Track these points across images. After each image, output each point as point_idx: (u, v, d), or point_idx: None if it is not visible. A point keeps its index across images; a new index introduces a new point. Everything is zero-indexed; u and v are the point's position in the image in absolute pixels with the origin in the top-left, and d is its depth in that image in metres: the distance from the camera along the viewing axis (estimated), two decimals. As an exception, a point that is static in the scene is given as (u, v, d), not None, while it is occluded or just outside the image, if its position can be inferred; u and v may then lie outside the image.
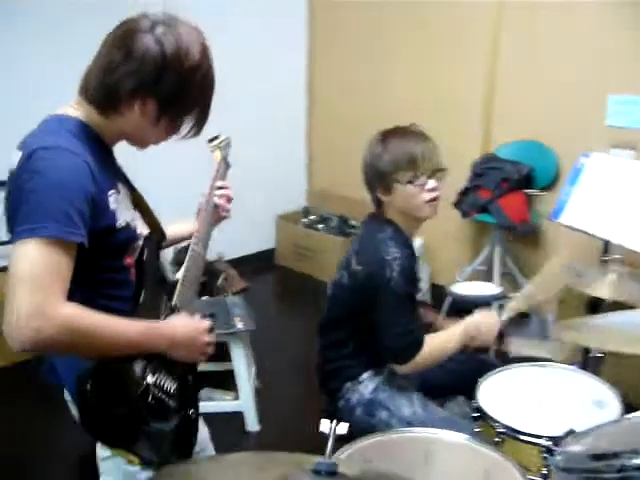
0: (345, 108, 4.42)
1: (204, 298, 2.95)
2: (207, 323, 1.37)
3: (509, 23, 3.40)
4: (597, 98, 3.10)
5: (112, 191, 1.25)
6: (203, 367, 2.89)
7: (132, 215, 1.34)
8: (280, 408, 2.81)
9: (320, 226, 4.46)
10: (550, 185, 3.30)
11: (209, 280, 3.30)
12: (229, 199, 1.58)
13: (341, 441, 1.69)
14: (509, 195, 3.16)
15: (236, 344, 2.58)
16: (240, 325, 2.57)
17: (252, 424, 2.67)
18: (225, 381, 2.79)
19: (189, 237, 1.52)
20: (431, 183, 1.75)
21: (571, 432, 1.39)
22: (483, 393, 1.74)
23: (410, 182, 1.72)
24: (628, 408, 1.60)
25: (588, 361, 2.15)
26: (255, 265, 4.51)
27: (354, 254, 1.82)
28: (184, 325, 1.31)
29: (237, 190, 4.46)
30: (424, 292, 3.93)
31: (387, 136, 1.76)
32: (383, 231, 1.77)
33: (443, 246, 3.94)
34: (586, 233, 2.41)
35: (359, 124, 4.29)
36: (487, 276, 3.48)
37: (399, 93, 4.00)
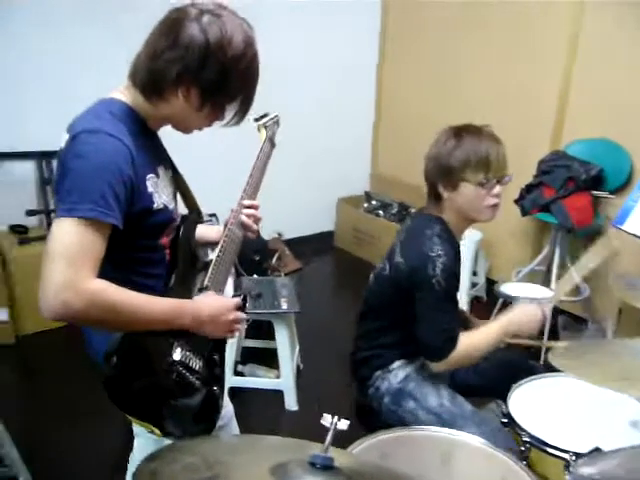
0: (414, 96, 4.37)
1: (254, 277, 3.01)
2: (234, 301, 1.40)
3: (588, 22, 3.24)
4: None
5: (151, 175, 1.29)
6: (250, 343, 3.03)
7: (171, 198, 1.39)
8: (320, 390, 2.85)
9: (381, 212, 4.44)
10: (621, 188, 3.14)
11: (262, 258, 3.36)
12: (256, 219, 1.55)
13: (368, 428, 1.73)
14: (574, 196, 3.03)
15: (280, 324, 2.63)
16: (285, 306, 2.62)
17: (291, 403, 2.73)
18: (270, 359, 2.86)
19: (214, 243, 1.52)
20: (498, 188, 1.72)
21: (596, 450, 1.35)
22: (515, 399, 1.71)
23: (481, 184, 1.70)
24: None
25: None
26: (314, 246, 4.56)
27: (399, 246, 1.81)
28: (210, 303, 1.35)
29: (302, 171, 4.58)
30: (479, 287, 3.86)
31: (461, 132, 1.72)
32: (431, 228, 1.75)
33: (503, 242, 3.85)
34: (649, 243, 2.30)
35: (427, 113, 4.26)
36: (545, 276, 3.37)
37: (470, 86, 3.92)
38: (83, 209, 1.13)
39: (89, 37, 3.29)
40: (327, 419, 0.98)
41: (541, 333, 1.92)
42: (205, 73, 1.22)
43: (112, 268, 1.23)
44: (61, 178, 1.17)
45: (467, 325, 1.91)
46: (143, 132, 1.30)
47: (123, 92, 1.30)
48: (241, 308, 1.43)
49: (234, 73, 1.25)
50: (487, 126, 1.76)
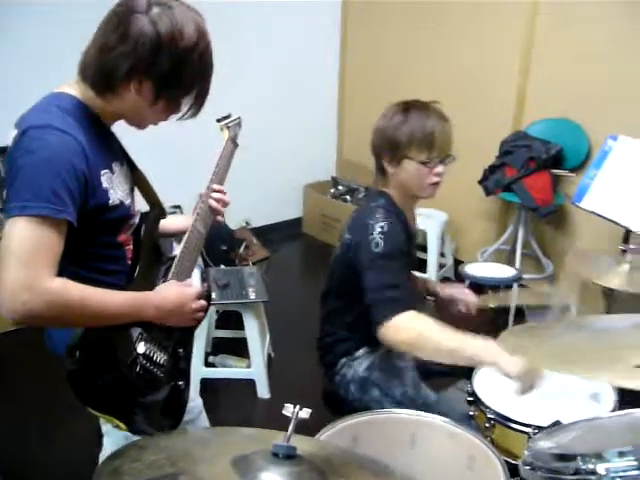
0: (377, 80, 4.37)
1: (222, 267, 3.00)
2: (195, 289, 1.39)
3: (546, 1, 3.27)
4: (635, 76, 2.97)
5: (105, 170, 1.27)
6: (220, 334, 3.03)
7: (128, 194, 1.37)
8: (291, 378, 2.87)
9: (348, 197, 4.45)
10: (580, 166, 3.21)
11: (230, 248, 3.35)
12: (225, 204, 1.54)
13: (335, 415, 1.75)
14: (535, 175, 3.09)
15: (249, 314, 2.63)
16: (253, 295, 2.62)
17: (262, 392, 2.74)
18: (241, 348, 2.86)
19: (182, 232, 1.52)
20: (440, 168, 1.72)
21: (557, 423, 1.39)
22: (479, 378, 1.74)
23: (423, 163, 1.70)
24: (623, 403, 1.59)
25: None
26: (282, 233, 4.56)
27: (346, 226, 1.82)
28: (171, 292, 1.34)
29: (267, 159, 4.54)
30: (447, 268, 3.91)
31: (409, 108, 1.72)
32: (375, 201, 1.76)
33: (468, 223, 3.91)
34: (607, 219, 2.35)
35: (390, 97, 4.22)
36: (510, 256, 3.43)
37: (432, 70, 3.93)
38: (36, 207, 1.11)
39: (34, 32, 3.21)
40: (289, 409, 0.98)
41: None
42: (157, 66, 1.20)
43: (70, 265, 1.22)
44: (11, 176, 1.14)
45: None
46: (95, 127, 1.28)
47: (73, 86, 1.27)
48: (205, 297, 1.42)
49: (187, 65, 1.22)
50: (435, 102, 1.75)
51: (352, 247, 1.74)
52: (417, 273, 2.17)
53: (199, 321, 1.43)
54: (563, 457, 0.94)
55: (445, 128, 1.70)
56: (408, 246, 1.83)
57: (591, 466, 0.88)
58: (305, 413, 0.97)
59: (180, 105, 1.30)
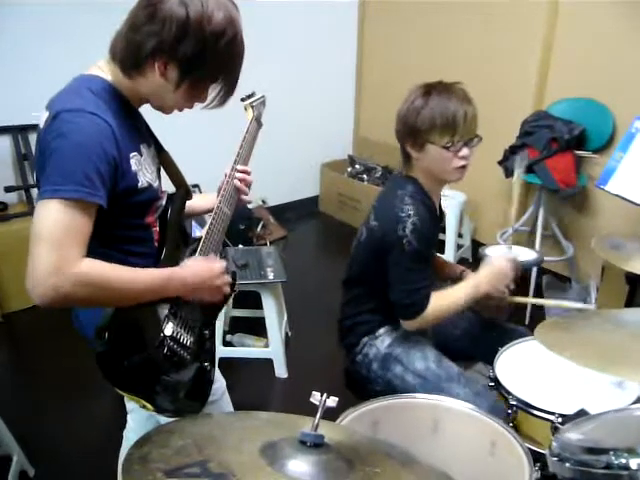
0: (395, 58, 4.31)
1: (240, 247, 3.00)
2: (221, 264, 1.38)
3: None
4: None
5: (134, 153, 1.26)
6: (238, 313, 3.04)
7: (155, 176, 1.36)
8: (309, 357, 2.88)
9: (364, 176, 4.42)
10: (604, 147, 3.15)
11: (248, 228, 3.35)
12: (248, 183, 1.53)
13: (357, 399, 1.75)
14: (557, 156, 3.03)
15: (267, 294, 2.64)
16: (271, 276, 2.61)
17: (280, 371, 2.75)
18: (258, 327, 2.87)
19: (205, 212, 1.53)
20: (465, 151, 1.69)
21: (582, 412, 1.38)
22: (501, 363, 1.73)
23: (445, 147, 1.67)
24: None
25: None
26: (299, 212, 4.56)
27: (372, 210, 1.81)
28: (197, 267, 1.34)
29: (284, 137, 4.53)
30: (465, 249, 3.89)
31: (430, 91, 1.68)
32: (403, 188, 1.74)
33: (487, 203, 3.87)
34: (633, 203, 2.31)
35: (409, 76, 4.16)
36: (530, 237, 3.40)
37: (452, 48, 3.87)
38: (68, 190, 1.10)
39: (71, 16, 3.19)
40: (316, 397, 0.98)
41: (519, 291, 1.94)
42: (182, 48, 1.18)
43: (98, 245, 1.22)
44: (43, 159, 1.14)
45: (463, 279, 1.92)
46: (125, 109, 1.27)
47: (102, 68, 1.26)
48: (229, 272, 1.42)
49: (213, 50, 1.20)
50: (459, 83, 1.71)
51: (379, 235, 1.74)
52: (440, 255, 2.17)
53: (226, 297, 1.43)
54: (594, 450, 0.93)
55: (468, 110, 1.66)
56: (435, 233, 1.82)
57: (623, 461, 0.87)
58: (332, 401, 0.97)
59: (205, 93, 1.28)
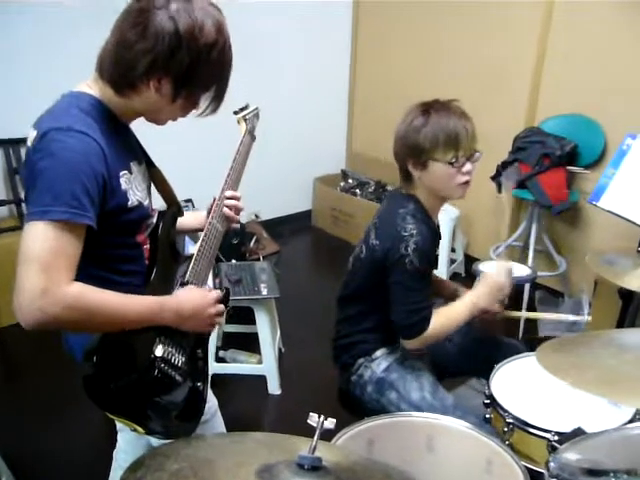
0: (388, 73, 4.33)
1: (233, 262, 2.99)
2: (214, 294, 1.37)
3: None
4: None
5: (124, 172, 1.25)
6: (231, 329, 3.01)
7: (146, 193, 1.35)
8: (302, 373, 2.86)
9: (357, 190, 4.42)
10: (595, 163, 3.16)
11: (240, 242, 3.33)
12: (238, 210, 1.52)
13: (351, 417, 1.73)
14: (549, 172, 3.04)
15: (260, 310, 2.62)
16: (265, 291, 2.60)
17: (273, 388, 2.73)
18: (251, 343, 2.84)
19: (194, 231, 1.51)
20: (468, 166, 1.70)
21: (578, 430, 1.37)
22: (497, 380, 1.73)
23: (450, 163, 1.67)
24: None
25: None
26: (292, 226, 4.55)
27: (373, 228, 1.80)
28: (191, 298, 1.32)
29: (277, 151, 4.52)
30: (457, 264, 3.89)
31: (428, 110, 1.68)
32: (404, 206, 1.73)
33: (480, 218, 3.87)
34: (625, 219, 2.31)
35: (401, 90, 4.22)
36: (523, 252, 3.40)
37: (445, 63, 3.89)
38: (56, 211, 1.09)
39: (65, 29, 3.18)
40: (314, 418, 0.97)
41: (512, 305, 1.94)
42: (176, 63, 1.17)
43: (88, 264, 1.20)
44: (31, 179, 1.12)
45: (458, 296, 1.91)
46: (114, 127, 1.26)
47: (91, 85, 1.25)
48: (223, 301, 1.41)
49: (206, 61, 1.20)
50: (455, 101, 1.72)
51: (380, 254, 1.73)
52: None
53: (216, 326, 1.41)
54: (593, 472, 0.92)
55: (467, 126, 1.67)
56: (435, 251, 1.83)
57: (624, 483, 0.86)
58: (330, 423, 0.96)
59: (199, 102, 1.28)
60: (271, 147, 3.96)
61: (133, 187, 1.28)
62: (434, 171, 1.69)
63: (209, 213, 1.48)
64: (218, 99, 1.29)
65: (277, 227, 4.32)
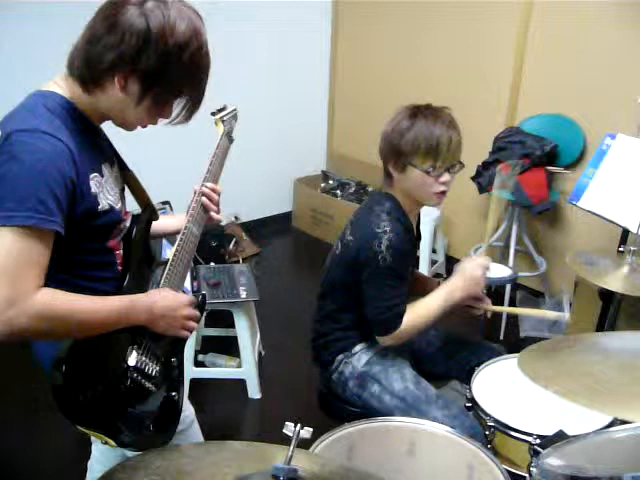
0: (368, 74, 4.31)
1: (212, 264, 2.94)
2: (188, 297, 1.33)
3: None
4: (633, 73, 2.93)
5: (94, 174, 1.21)
6: (210, 332, 2.97)
7: (118, 197, 1.31)
8: (283, 377, 2.82)
9: (338, 192, 4.39)
10: (575, 163, 3.17)
11: (219, 245, 3.29)
12: (215, 202, 1.47)
13: (331, 420, 1.71)
14: (530, 172, 3.05)
15: (239, 313, 2.58)
16: (244, 294, 2.56)
17: (253, 392, 2.69)
18: (231, 347, 2.81)
19: (175, 233, 1.46)
20: (446, 176, 1.68)
21: (560, 433, 1.36)
22: (478, 383, 1.71)
23: (427, 172, 1.66)
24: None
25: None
26: (272, 227, 4.51)
27: (349, 225, 1.80)
28: (164, 296, 1.28)
29: (257, 152, 4.49)
30: (439, 264, 3.88)
31: (416, 114, 1.67)
32: (381, 204, 1.73)
33: (461, 219, 3.87)
34: (605, 219, 2.32)
35: (382, 91, 4.21)
36: (503, 252, 3.40)
37: (425, 63, 3.88)
38: (21, 217, 1.04)
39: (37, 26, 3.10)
40: (289, 427, 0.93)
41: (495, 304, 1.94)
42: (143, 61, 1.12)
43: (57, 271, 1.16)
44: None
45: None
46: (84, 128, 1.21)
47: (59, 84, 1.20)
48: (198, 306, 1.37)
49: (176, 63, 1.14)
50: (447, 108, 1.71)
51: (354, 250, 1.72)
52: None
53: (190, 331, 1.36)
54: (576, 479, 0.90)
55: (452, 136, 1.66)
56: (412, 250, 1.80)
57: (608, 490, 0.84)
58: (306, 432, 0.93)
59: (169, 108, 1.22)
60: (251, 148, 3.92)
61: (104, 190, 1.23)
62: (411, 176, 1.69)
63: (189, 210, 1.43)
64: (192, 107, 1.23)
65: (257, 229, 4.28)
